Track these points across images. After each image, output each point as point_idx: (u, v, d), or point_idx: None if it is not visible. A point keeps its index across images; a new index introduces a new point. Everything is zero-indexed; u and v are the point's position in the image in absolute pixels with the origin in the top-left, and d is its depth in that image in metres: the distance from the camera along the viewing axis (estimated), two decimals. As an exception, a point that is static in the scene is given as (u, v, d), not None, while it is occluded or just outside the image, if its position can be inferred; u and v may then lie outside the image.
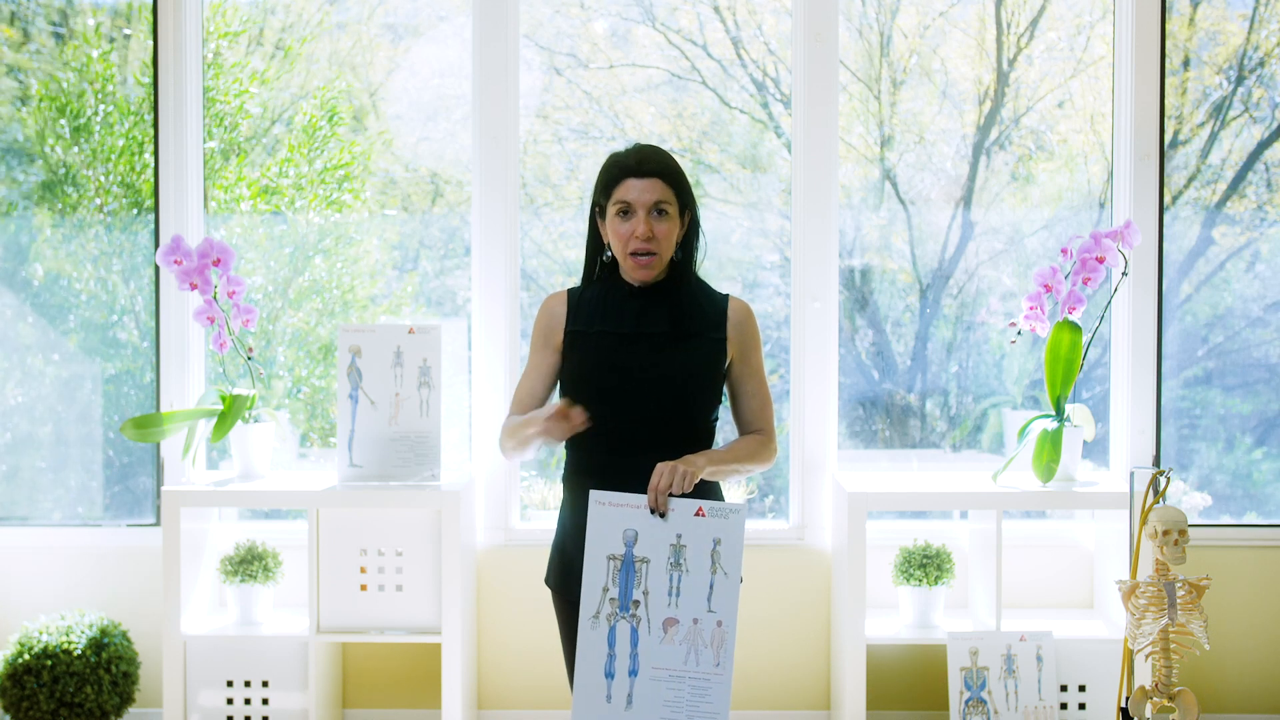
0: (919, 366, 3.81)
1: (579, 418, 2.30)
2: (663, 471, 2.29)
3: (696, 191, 3.25)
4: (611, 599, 2.30)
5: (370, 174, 3.83)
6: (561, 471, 2.56)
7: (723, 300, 2.51)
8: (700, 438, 2.46)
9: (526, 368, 2.53)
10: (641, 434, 2.40)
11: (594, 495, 2.32)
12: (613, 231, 2.42)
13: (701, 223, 2.53)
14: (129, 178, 3.77)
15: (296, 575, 3.60)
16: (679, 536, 2.30)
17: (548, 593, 3.60)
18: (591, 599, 2.30)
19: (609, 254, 2.50)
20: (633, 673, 2.29)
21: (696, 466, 2.32)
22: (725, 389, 2.53)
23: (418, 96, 3.83)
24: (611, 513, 2.31)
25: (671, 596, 2.29)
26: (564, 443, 2.49)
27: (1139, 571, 3.10)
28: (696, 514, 2.31)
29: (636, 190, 2.38)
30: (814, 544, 3.63)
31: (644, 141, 2.59)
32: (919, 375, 3.81)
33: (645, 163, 2.39)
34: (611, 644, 2.30)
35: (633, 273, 2.44)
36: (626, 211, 2.39)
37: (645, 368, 2.41)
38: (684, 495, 2.30)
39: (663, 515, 2.29)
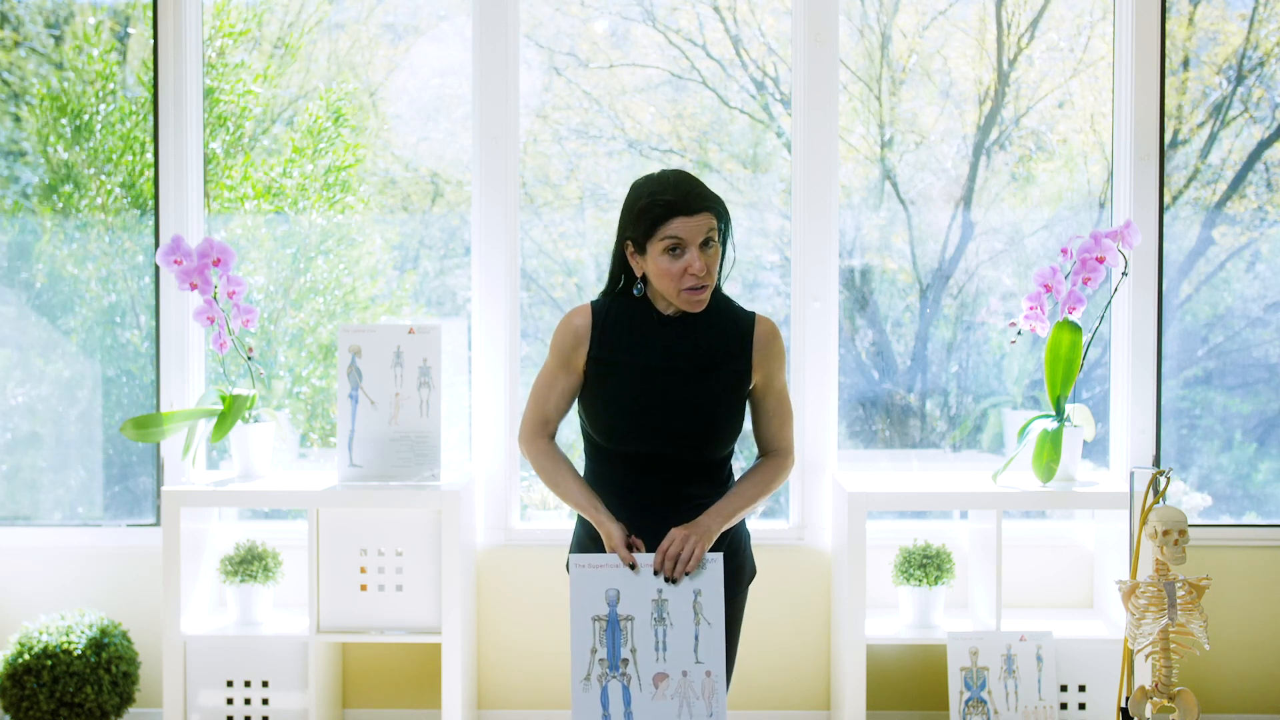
0: (919, 366, 3.81)
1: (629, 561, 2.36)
2: (674, 538, 2.33)
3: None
4: (601, 660, 2.32)
5: (370, 174, 3.84)
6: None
7: (748, 321, 2.46)
8: (720, 462, 2.47)
9: (547, 375, 2.49)
10: (662, 459, 2.41)
11: (574, 559, 2.35)
12: (658, 269, 2.33)
13: (731, 241, 2.48)
14: (130, 178, 3.77)
15: (296, 575, 3.60)
16: (660, 591, 2.33)
17: (548, 592, 3.61)
18: (581, 662, 2.32)
19: (640, 287, 2.43)
20: None
21: (710, 534, 2.36)
22: (747, 406, 2.52)
23: (418, 96, 3.83)
24: (591, 574, 2.34)
25: (659, 651, 2.32)
26: (584, 451, 2.50)
27: (1139, 571, 3.10)
28: None
29: (688, 229, 2.30)
30: (814, 544, 3.63)
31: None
32: (919, 375, 3.81)
33: (691, 200, 2.31)
34: (605, 705, 2.31)
35: (685, 307, 2.37)
36: (677, 248, 2.31)
37: (671, 400, 2.39)
38: (650, 529, 2.36)
39: (674, 582, 2.32)
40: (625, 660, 2.32)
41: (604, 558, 2.34)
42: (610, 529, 2.35)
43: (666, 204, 2.30)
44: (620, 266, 2.46)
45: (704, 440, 2.41)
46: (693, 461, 2.42)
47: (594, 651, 2.32)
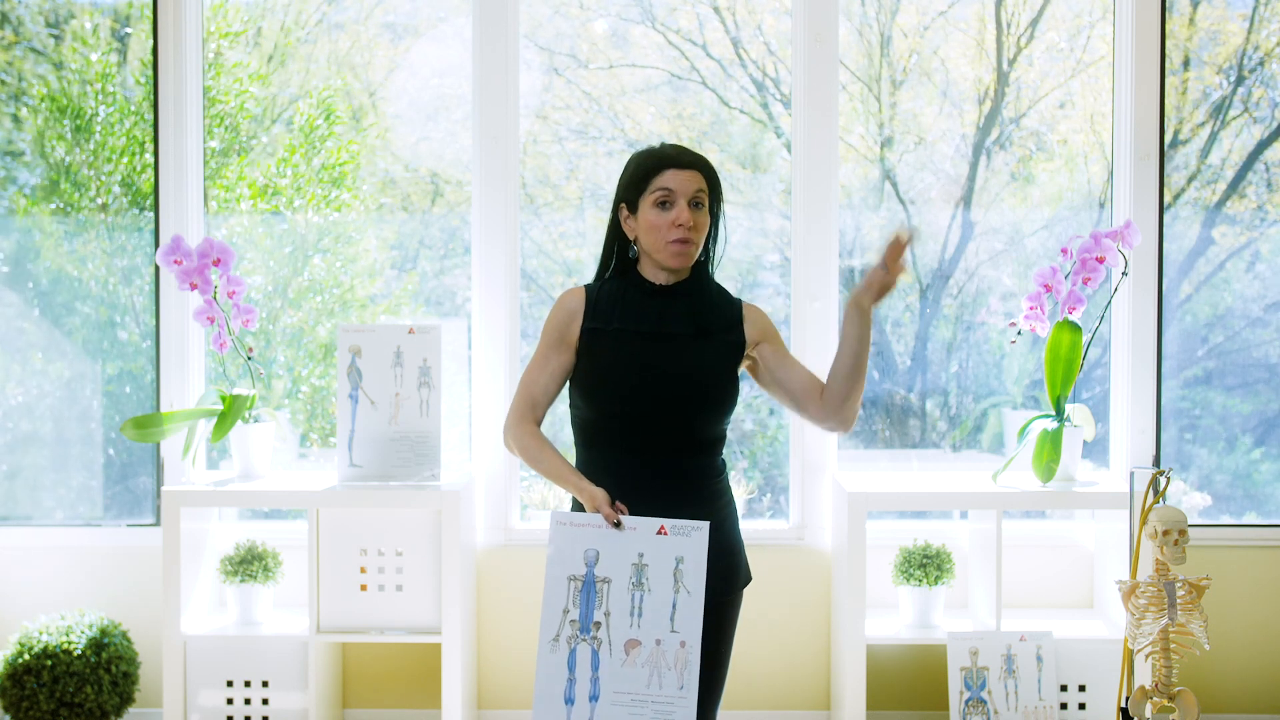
0: (919, 366, 3.81)
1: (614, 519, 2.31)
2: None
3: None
4: (572, 621, 2.27)
5: (370, 173, 3.84)
6: None
7: (737, 304, 2.52)
8: (714, 440, 2.45)
9: (538, 359, 2.49)
10: (658, 434, 2.39)
11: (554, 515, 2.31)
12: (647, 223, 2.41)
13: (723, 221, 2.53)
14: (130, 178, 3.77)
15: (296, 575, 3.60)
16: (641, 555, 2.27)
17: (548, 593, 3.61)
18: (551, 621, 2.27)
19: (634, 250, 2.49)
20: (593, 698, 2.26)
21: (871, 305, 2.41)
22: (763, 382, 2.52)
23: (417, 96, 3.83)
24: (572, 532, 2.29)
25: (634, 617, 2.27)
26: (575, 442, 2.49)
27: (1139, 571, 3.10)
28: (659, 532, 2.29)
29: (679, 180, 2.39)
30: (814, 544, 3.63)
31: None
32: (919, 375, 3.81)
33: (684, 154, 2.42)
34: (571, 668, 2.26)
35: (669, 261, 2.41)
36: (666, 201, 2.39)
37: (665, 367, 2.39)
38: (644, 515, 2.29)
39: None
40: (598, 624, 2.26)
41: (587, 517, 2.29)
42: (593, 491, 2.32)
43: (659, 157, 2.41)
44: (613, 241, 2.51)
45: (696, 408, 2.39)
46: (684, 435, 2.40)
47: (566, 612, 2.27)
